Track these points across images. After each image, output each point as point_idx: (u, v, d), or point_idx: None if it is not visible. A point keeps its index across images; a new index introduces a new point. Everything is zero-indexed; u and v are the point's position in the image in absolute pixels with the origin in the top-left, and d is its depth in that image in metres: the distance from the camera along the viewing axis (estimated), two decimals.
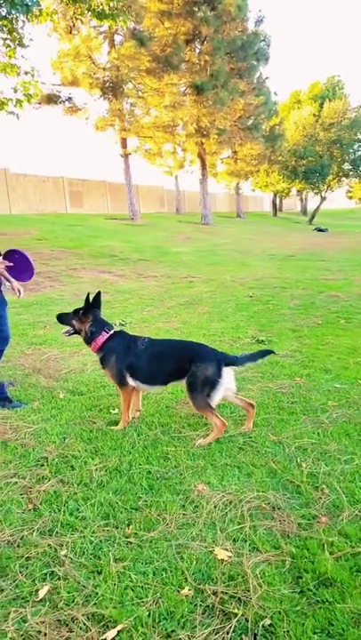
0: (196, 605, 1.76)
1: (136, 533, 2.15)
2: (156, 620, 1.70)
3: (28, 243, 12.65)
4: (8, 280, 3.59)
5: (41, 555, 2.01)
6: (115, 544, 2.08)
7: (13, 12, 8.67)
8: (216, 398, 2.99)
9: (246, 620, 1.69)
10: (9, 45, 9.75)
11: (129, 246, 14.28)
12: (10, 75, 10.06)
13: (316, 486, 2.53)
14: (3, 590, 1.83)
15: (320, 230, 29.54)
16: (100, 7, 9.27)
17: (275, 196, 43.67)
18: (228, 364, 3.04)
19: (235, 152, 31.39)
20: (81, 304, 3.37)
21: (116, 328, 3.41)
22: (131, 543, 2.09)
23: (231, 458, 2.83)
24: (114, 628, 1.65)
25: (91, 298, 3.30)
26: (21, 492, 2.47)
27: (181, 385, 3.16)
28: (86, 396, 3.77)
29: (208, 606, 1.76)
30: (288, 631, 1.64)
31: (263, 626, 1.66)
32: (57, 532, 2.15)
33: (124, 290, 8.84)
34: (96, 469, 2.66)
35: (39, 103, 19.58)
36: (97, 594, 1.81)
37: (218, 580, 1.87)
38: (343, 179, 38.92)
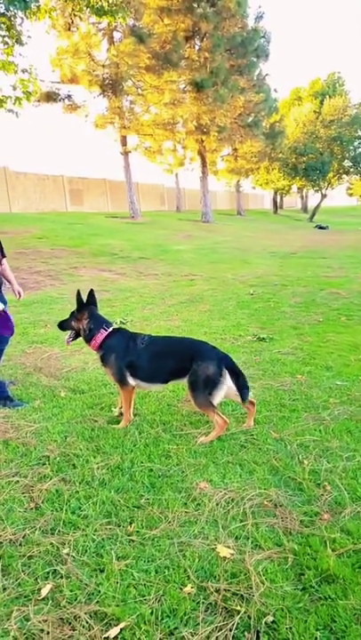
0: (198, 603, 1.76)
1: (138, 531, 2.15)
2: (159, 618, 1.70)
3: (28, 241, 12.64)
4: (9, 281, 3.59)
5: (43, 553, 2.01)
6: (117, 542, 2.08)
7: (11, 8, 8.64)
8: (218, 397, 2.98)
9: (249, 618, 1.69)
10: (7, 43, 9.71)
11: (129, 244, 14.27)
12: (8, 72, 10.02)
13: (318, 483, 2.52)
14: (5, 589, 1.83)
15: (321, 228, 29.48)
16: (99, 3, 9.23)
17: (275, 193, 43.58)
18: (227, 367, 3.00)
19: (235, 149, 31.31)
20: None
21: (117, 326, 3.39)
22: (133, 541, 2.09)
23: (233, 455, 2.83)
24: (116, 625, 1.65)
25: (84, 296, 3.29)
26: (23, 490, 2.47)
27: (183, 383, 3.16)
28: (87, 395, 3.77)
29: (211, 604, 1.76)
30: (291, 628, 1.64)
31: (266, 623, 1.66)
32: (59, 531, 2.15)
33: (124, 288, 8.84)
34: (98, 468, 2.66)
35: (38, 101, 19.55)
36: (99, 592, 1.81)
37: (220, 578, 1.87)
38: (344, 176, 38.79)
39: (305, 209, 49.06)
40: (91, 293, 3.33)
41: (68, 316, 3.38)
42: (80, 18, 12.98)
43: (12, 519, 2.23)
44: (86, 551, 2.03)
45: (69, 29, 18.44)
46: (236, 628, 1.65)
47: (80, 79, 19.71)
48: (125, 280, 9.73)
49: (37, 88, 10.99)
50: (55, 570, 1.93)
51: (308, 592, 1.81)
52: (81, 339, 3.34)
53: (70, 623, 1.68)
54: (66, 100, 20.80)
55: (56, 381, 4.07)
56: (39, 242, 12.74)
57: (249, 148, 30.06)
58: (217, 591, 1.81)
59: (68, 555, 2.00)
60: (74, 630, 1.65)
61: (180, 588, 1.82)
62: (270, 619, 1.68)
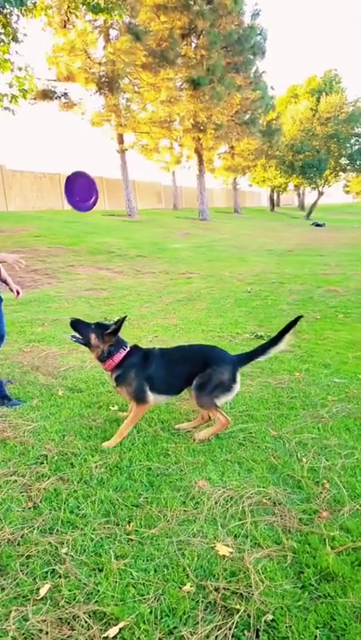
0: (197, 602, 1.76)
1: (137, 530, 2.14)
2: (158, 617, 1.69)
3: (25, 240, 12.60)
4: (5, 282, 3.56)
5: (41, 553, 2.00)
6: (115, 541, 2.07)
7: (7, 5, 8.59)
8: (224, 400, 3.02)
9: (248, 616, 1.68)
10: (3, 40, 9.66)
11: (126, 243, 14.24)
12: (4, 70, 9.98)
13: (317, 481, 2.52)
14: (3, 589, 1.82)
15: (318, 225, 29.51)
16: (95, 1, 9.18)
17: (272, 191, 43.60)
18: (242, 365, 3.07)
19: (232, 147, 31.29)
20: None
21: (131, 344, 3.28)
22: (132, 540, 2.08)
23: (231, 453, 2.82)
24: (115, 625, 1.65)
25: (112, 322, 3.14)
26: (21, 490, 2.46)
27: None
28: (85, 394, 3.76)
29: (210, 602, 1.76)
30: (290, 626, 1.64)
31: (265, 621, 1.66)
32: (57, 530, 2.14)
33: (121, 286, 8.82)
34: (96, 467, 2.65)
35: (34, 99, 19.46)
36: (98, 591, 1.80)
37: (219, 576, 1.87)
38: (340, 173, 38.84)
39: (302, 206, 49.11)
40: (123, 320, 3.10)
41: (88, 323, 3.11)
42: (76, 15, 12.89)
43: (9, 518, 2.22)
44: (85, 550, 2.02)
45: (65, 27, 18.35)
46: (236, 627, 1.65)
47: (76, 77, 19.64)
48: (123, 278, 9.71)
49: (33, 86, 10.95)
50: (54, 569, 1.92)
51: (308, 590, 1.80)
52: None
53: (69, 623, 1.67)
54: (62, 97, 20.72)
55: (54, 380, 4.06)
56: (36, 240, 12.70)
57: (246, 146, 30.05)
58: (216, 590, 1.80)
59: (66, 554, 1.99)
60: (73, 630, 1.64)
61: (180, 587, 1.82)
62: (270, 617, 1.67)
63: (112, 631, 1.62)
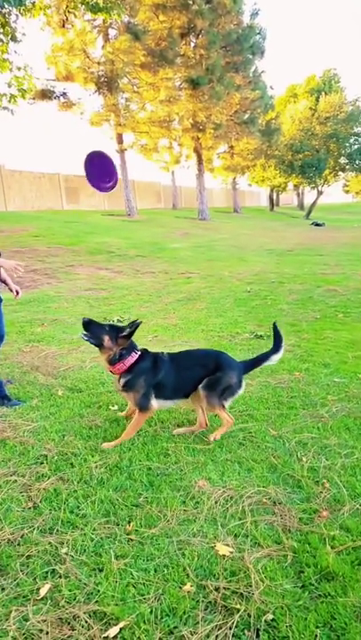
0: (198, 601, 1.76)
1: (137, 530, 2.14)
2: (159, 617, 1.69)
3: (25, 240, 12.59)
4: (4, 282, 3.56)
5: (41, 553, 2.00)
6: (116, 541, 2.07)
7: (6, 5, 8.58)
8: (230, 402, 3.08)
9: (249, 616, 1.68)
10: (1, 40, 9.65)
11: (126, 242, 14.23)
12: (3, 70, 9.97)
13: (317, 480, 2.52)
14: (4, 589, 1.82)
15: (317, 225, 29.51)
16: (94, 0, 9.17)
17: (271, 190, 43.57)
18: (246, 372, 3.15)
19: (231, 147, 31.29)
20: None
21: (142, 348, 3.25)
22: (132, 540, 2.08)
23: (231, 453, 2.82)
24: (116, 625, 1.65)
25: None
26: (21, 490, 2.46)
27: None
28: (85, 393, 3.75)
29: (210, 602, 1.76)
30: (291, 626, 1.64)
31: (266, 621, 1.66)
32: (57, 530, 2.14)
33: (121, 286, 8.81)
34: (96, 467, 2.65)
35: (33, 99, 19.44)
36: (98, 591, 1.80)
37: (220, 576, 1.87)
38: (340, 173, 38.81)
39: (301, 206, 49.10)
40: (138, 324, 3.03)
41: (102, 324, 3.05)
42: (75, 15, 12.88)
43: (10, 519, 2.22)
44: (85, 550, 2.02)
45: (64, 26, 18.30)
46: (236, 627, 1.65)
47: (75, 76, 19.62)
48: (122, 278, 9.71)
49: (32, 86, 10.94)
50: (54, 569, 1.92)
51: (308, 590, 1.80)
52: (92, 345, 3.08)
53: (69, 623, 1.67)
54: (61, 97, 20.69)
55: (53, 380, 4.05)
56: (35, 240, 12.69)
57: (245, 146, 30.04)
58: (216, 589, 1.80)
59: (66, 554, 1.99)
60: (73, 630, 1.64)
61: (180, 587, 1.82)
62: (270, 617, 1.68)
63: (112, 631, 1.62)
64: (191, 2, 20.58)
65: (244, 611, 1.70)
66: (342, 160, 37.13)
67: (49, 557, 1.98)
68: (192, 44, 22.85)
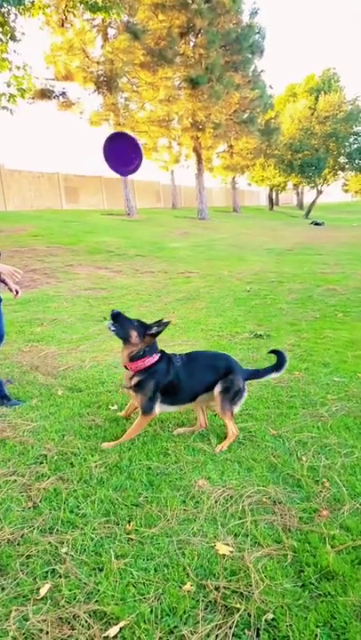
0: (198, 601, 1.76)
1: (137, 530, 2.14)
2: (159, 617, 1.69)
3: (24, 239, 12.58)
4: (4, 281, 3.55)
5: (41, 553, 2.00)
6: (116, 541, 2.07)
7: (5, 4, 8.57)
8: (239, 407, 3.07)
9: (249, 615, 1.68)
10: (0, 40, 9.64)
11: (125, 242, 14.23)
12: (2, 69, 9.96)
13: (317, 480, 2.52)
14: (4, 589, 1.82)
15: (317, 224, 29.51)
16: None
17: (271, 190, 43.56)
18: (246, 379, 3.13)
19: (230, 146, 31.26)
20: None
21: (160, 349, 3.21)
22: (132, 540, 2.08)
23: (231, 453, 2.82)
24: (116, 624, 1.65)
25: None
26: (21, 489, 2.46)
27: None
28: (85, 393, 3.75)
29: (210, 602, 1.76)
30: (291, 625, 1.64)
31: (266, 620, 1.66)
32: (57, 530, 2.14)
33: (121, 286, 8.81)
34: (96, 466, 2.65)
35: (33, 98, 19.42)
36: (98, 591, 1.80)
37: (220, 576, 1.87)
38: (339, 172, 38.81)
39: (301, 205, 49.08)
40: (166, 324, 2.98)
41: (130, 318, 2.98)
42: (74, 14, 12.87)
43: (9, 518, 2.22)
44: (85, 550, 2.02)
45: (63, 26, 18.29)
46: (236, 626, 1.65)
47: (75, 76, 19.60)
48: (122, 278, 9.71)
49: (32, 85, 10.93)
50: (54, 569, 1.91)
51: (308, 589, 1.81)
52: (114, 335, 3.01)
53: (69, 623, 1.67)
54: (60, 97, 20.68)
55: (53, 380, 4.05)
56: (35, 240, 12.68)
57: (244, 145, 30.03)
58: (216, 589, 1.80)
59: (66, 554, 1.99)
60: (73, 630, 1.64)
61: (180, 587, 1.82)
62: (270, 616, 1.67)
63: (112, 630, 1.62)
64: (190, 1, 20.55)
65: (245, 610, 1.70)
66: (342, 159, 37.12)
67: (49, 557, 1.98)
68: (191, 44, 22.83)
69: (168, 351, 3.14)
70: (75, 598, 1.77)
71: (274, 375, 3.20)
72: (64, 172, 25.09)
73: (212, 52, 21.32)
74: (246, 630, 1.64)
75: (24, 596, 1.79)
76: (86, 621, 1.67)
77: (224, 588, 1.81)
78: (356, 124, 34.72)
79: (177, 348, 4.66)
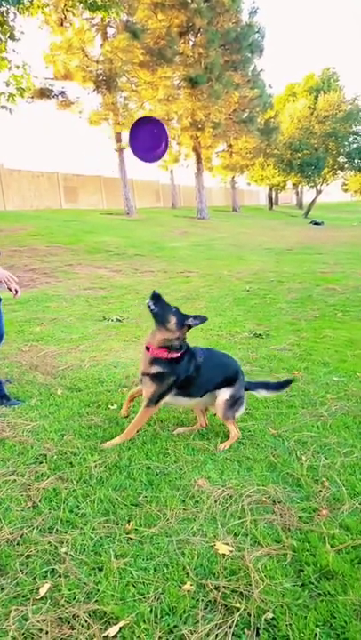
0: (198, 600, 1.76)
1: (137, 529, 2.14)
2: (158, 616, 1.69)
3: (23, 239, 12.58)
4: (4, 282, 3.54)
5: (41, 552, 2.00)
6: (115, 540, 2.07)
7: (4, 3, 8.56)
8: (241, 413, 3.08)
9: (249, 615, 1.68)
10: (0, 39, 9.62)
11: (125, 241, 14.22)
12: (1, 69, 9.95)
13: (317, 479, 2.52)
14: (3, 589, 1.82)
15: (316, 224, 29.52)
16: None
17: (270, 189, 43.55)
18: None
19: (230, 145, 31.26)
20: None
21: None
22: (131, 539, 2.08)
23: (231, 452, 2.82)
24: (116, 624, 1.64)
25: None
26: (20, 489, 2.46)
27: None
28: (84, 393, 3.75)
29: (210, 601, 1.76)
30: (290, 624, 1.64)
31: (265, 620, 1.66)
32: (57, 530, 2.14)
33: (120, 285, 8.81)
34: (95, 466, 2.65)
35: (32, 97, 19.41)
36: (98, 591, 1.80)
37: (219, 575, 1.87)
38: (339, 172, 38.81)
39: (300, 205, 49.07)
40: (204, 320, 2.95)
41: (173, 306, 2.90)
42: (73, 13, 12.84)
43: (9, 518, 2.22)
44: (84, 550, 2.02)
45: (62, 25, 18.26)
46: (236, 626, 1.65)
47: (74, 75, 19.59)
48: (121, 277, 9.70)
49: (31, 84, 10.93)
50: (53, 569, 1.91)
51: (308, 588, 1.80)
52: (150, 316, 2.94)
53: (69, 622, 1.67)
54: (60, 96, 20.67)
55: (52, 379, 4.05)
56: (34, 239, 12.68)
57: (244, 144, 30.02)
58: (216, 588, 1.80)
59: (66, 553, 1.99)
60: (73, 629, 1.64)
61: (180, 586, 1.82)
62: (270, 615, 1.67)
63: (112, 630, 1.62)
64: (190, 0, 20.54)
65: (244, 609, 1.70)
66: (341, 159, 37.12)
67: (48, 557, 1.98)
68: (191, 43, 22.82)
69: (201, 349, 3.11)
70: (74, 598, 1.77)
71: (263, 392, 3.18)
72: (63, 172, 25.09)
73: (211, 52, 21.31)
74: (246, 630, 1.63)
75: (24, 596, 1.79)
76: (86, 621, 1.67)
77: (224, 587, 1.80)
78: (355, 123, 34.72)
79: None
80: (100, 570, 1.90)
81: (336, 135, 34.18)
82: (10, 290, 3.50)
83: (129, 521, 2.20)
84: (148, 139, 2.99)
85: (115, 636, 1.61)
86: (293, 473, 2.58)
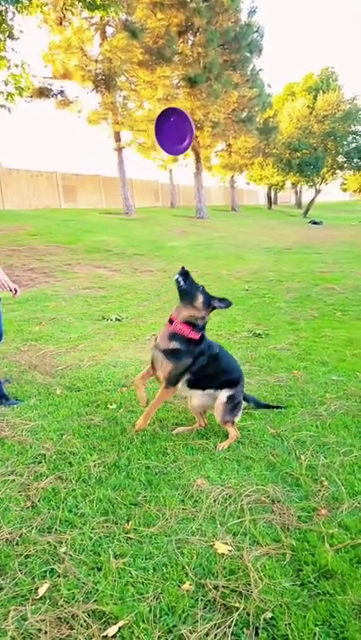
0: (197, 600, 1.76)
1: (136, 529, 2.14)
2: (158, 616, 1.69)
3: (22, 238, 12.56)
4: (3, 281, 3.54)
5: (40, 552, 2.00)
6: (114, 540, 2.07)
7: (2, 3, 8.54)
8: (239, 417, 3.07)
9: (248, 614, 1.68)
10: None
11: (124, 241, 14.21)
12: (0, 68, 9.93)
13: (316, 479, 2.53)
14: (2, 589, 1.82)
15: (315, 223, 29.53)
16: None
17: (269, 189, 43.54)
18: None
19: (229, 145, 31.24)
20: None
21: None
22: (130, 539, 2.08)
23: (230, 452, 2.82)
24: (115, 624, 1.64)
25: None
26: (19, 489, 2.45)
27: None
28: (83, 392, 3.75)
29: (209, 601, 1.76)
30: (289, 624, 1.64)
31: (265, 619, 1.66)
32: (56, 530, 2.13)
33: (119, 285, 8.80)
34: (94, 465, 2.65)
35: (31, 97, 19.36)
36: (97, 590, 1.80)
37: (219, 575, 1.87)
38: (337, 171, 38.80)
39: (299, 204, 49.05)
40: (229, 304, 2.98)
41: (201, 286, 2.96)
42: (72, 12, 12.85)
43: (8, 518, 2.21)
44: (83, 550, 2.01)
45: (61, 24, 18.23)
46: (235, 625, 1.65)
47: (73, 74, 19.55)
48: (120, 277, 9.69)
49: (30, 83, 10.91)
50: (52, 569, 1.91)
51: (307, 588, 1.81)
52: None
53: (68, 622, 1.67)
54: (59, 95, 20.61)
55: (51, 379, 4.05)
56: (33, 239, 12.66)
57: (243, 144, 30.00)
58: (215, 588, 1.80)
59: (65, 553, 1.99)
60: (72, 629, 1.64)
61: (179, 586, 1.82)
62: (269, 615, 1.68)
63: (111, 630, 1.62)
64: (189, 0, 20.52)
65: (243, 609, 1.70)
66: (340, 158, 37.10)
67: (47, 557, 1.98)
68: (190, 42, 22.79)
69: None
70: (73, 598, 1.77)
71: (252, 405, 3.32)
72: (62, 171, 25.05)
73: (210, 51, 21.28)
74: (245, 629, 1.63)
75: (23, 596, 1.79)
76: (85, 621, 1.66)
77: (223, 587, 1.80)
78: (354, 122, 34.71)
79: None
80: (99, 570, 1.90)
81: (335, 135, 34.17)
82: (9, 289, 3.50)
83: (128, 521, 2.20)
84: (173, 132, 2.96)
85: (114, 635, 1.61)
86: (293, 472, 2.58)
